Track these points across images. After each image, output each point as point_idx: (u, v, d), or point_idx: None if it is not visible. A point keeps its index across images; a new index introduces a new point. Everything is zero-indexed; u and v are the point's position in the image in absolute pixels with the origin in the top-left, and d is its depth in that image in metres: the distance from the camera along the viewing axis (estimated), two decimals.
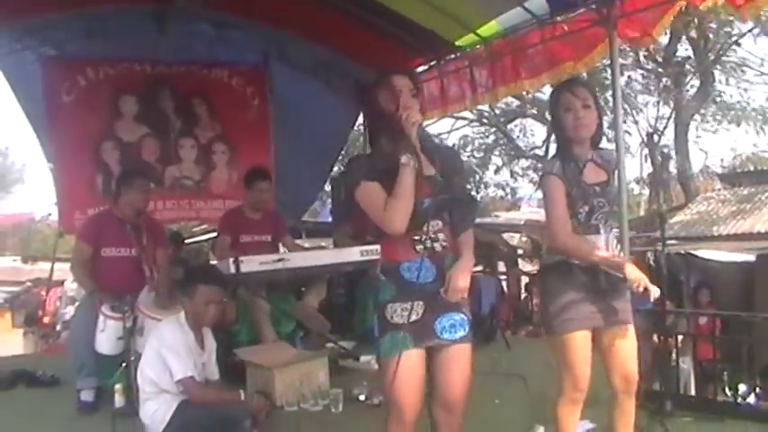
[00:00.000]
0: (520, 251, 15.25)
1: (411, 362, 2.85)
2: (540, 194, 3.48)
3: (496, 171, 21.71)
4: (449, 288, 2.91)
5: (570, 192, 3.32)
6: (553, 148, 3.66)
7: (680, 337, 6.96)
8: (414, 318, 2.87)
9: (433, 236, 2.92)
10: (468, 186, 3.05)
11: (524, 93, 17.87)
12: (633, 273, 3.18)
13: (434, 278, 2.92)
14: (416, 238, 2.90)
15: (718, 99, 17.29)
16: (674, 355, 6.62)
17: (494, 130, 20.75)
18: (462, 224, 3.05)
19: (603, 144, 3.59)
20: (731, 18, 13.61)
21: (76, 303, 7.27)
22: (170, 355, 3.97)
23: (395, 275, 2.92)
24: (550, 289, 3.45)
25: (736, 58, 16.69)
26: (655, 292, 3.16)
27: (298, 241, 7.21)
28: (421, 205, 2.88)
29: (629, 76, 16.76)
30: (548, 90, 8.18)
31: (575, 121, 3.33)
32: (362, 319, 6.48)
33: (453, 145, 21.79)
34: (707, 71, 16.11)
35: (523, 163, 20.81)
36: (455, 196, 2.99)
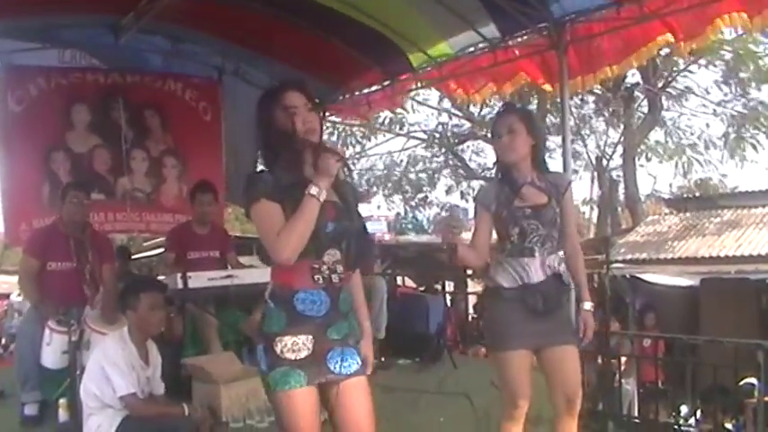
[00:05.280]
0: (468, 271, 15.25)
1: (306, 400, 2.66)
2: None
3: (447, 192, 21.83)
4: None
5: (501, 214, 3.46)
6: None
7: (623, 359, 7.08)
8: (305, 353, 2.67)
9: (331, 266, 2.75)
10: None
11: (475, 114, 18.10)
12: None
13: (327, 311, 2.73)
14: (315, 266, 2.72)
15: (665, 126, 17.67)
16: (617, 377, 6.73)
17: (444, 151, 20.87)
18: (359, 258, 2.87)
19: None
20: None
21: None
22: (112, 370, 3.94)
23: (287, 305, 2.71)
24: (491, 308, 3.56)
25: (682, 86, 17.10)
26: None
27: (248, 258, 7.18)
28: (324, 229, 2.71)
29: (581, 98, 17.03)
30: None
31: (500, 145, 3.48)
32: None
33: (402, 161, 21.98)
34: (655, 97, 16.45)
35: (474, 184, 20.84)
36: (356, 227, 2.86)
